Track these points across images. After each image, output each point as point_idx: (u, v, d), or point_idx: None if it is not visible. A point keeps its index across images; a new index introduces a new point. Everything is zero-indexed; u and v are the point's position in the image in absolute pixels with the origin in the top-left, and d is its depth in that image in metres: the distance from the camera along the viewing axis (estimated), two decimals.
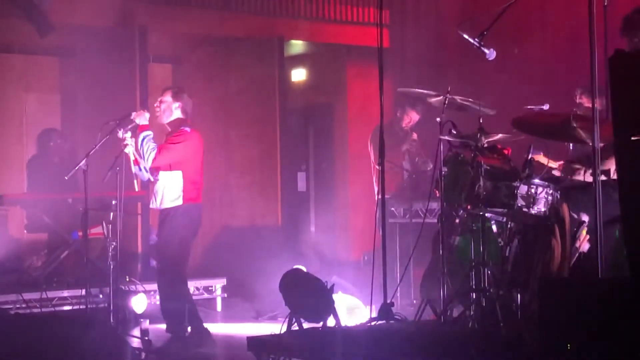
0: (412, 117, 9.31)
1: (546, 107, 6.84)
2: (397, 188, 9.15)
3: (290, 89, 12.26)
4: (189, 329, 7.41)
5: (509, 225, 6.11)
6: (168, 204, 7.33)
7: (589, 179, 6.50)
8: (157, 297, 8.86)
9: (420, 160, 9.10)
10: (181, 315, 7.35)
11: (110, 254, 7.28)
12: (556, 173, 6.96)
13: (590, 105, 6.69)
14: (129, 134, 7.30)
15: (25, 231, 9.79)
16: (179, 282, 7.44)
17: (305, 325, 6.28)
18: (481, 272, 6.03)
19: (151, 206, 7.58)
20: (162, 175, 7.36)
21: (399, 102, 9.29)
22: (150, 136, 7.29)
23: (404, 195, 8.98)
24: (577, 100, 7.39)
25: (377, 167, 8.66)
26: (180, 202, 7.32)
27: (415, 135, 9.31)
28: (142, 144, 7.25)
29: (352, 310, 7.97)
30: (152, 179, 7.54)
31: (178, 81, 11.30)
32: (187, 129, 7.41)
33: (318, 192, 12.73)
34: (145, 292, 8.62)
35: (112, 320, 7.26)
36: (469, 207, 6.12)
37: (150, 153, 7.23)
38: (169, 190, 7.33)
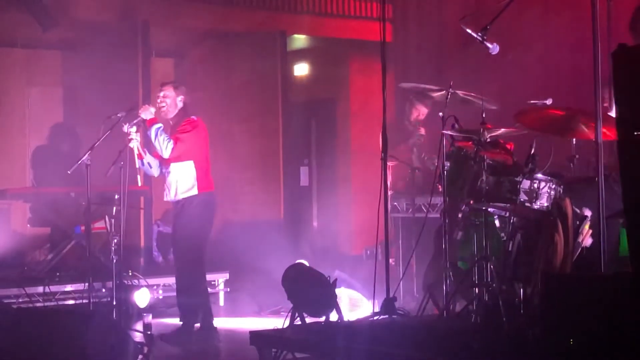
0: (421, 110, 9.21)
1: (549, 101, 6.82)
2: (402, 184, 9.12)
3: (293, 83, 12.26)
4: (198, 324, 7.43)
5: (511, 220, 6.11)
6: (183, 194, 7.35)
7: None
8: (160, 291, 8.92)
9: (427, 156, 9.06)
10: (195, 308, 7.36)
11: (113, 248, 7.29)
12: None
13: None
14: (134, 129, 7.30)
15: (28, 225, 9.80)
16: (197, 274, 7.45)
17: (308, 319, 6.28)
18: (484, 267, 6.03)
19: (165, 199, 7.56)
20: (174, 167, 7.37)
21: (407, 95, 9.23)
22: (162, 128, 7.31)
23: (407, 190, 8.96)
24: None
25: (389, 163, 8.66)
26: (195, 191, 7.35)
27: (422, 130, 9.22)
28: (156, 136, 7.25)
29: (354, 304, 7.98)
30: (155, 175, 7.55)
31: (180, 76, 11.31)
32: (194, 117, 7.44)
33: (320, 187, 12.74)
34: (148, 286, 8.63)
35: (114, 314, 7.27)
36: (471, 201, 6.12)
37: (167, 144, 7.24)
38: (183, 181, 7.35)
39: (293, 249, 9.80)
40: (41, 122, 10.65)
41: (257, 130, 11.28)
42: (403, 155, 8.86)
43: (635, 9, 6.14)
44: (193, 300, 7.38)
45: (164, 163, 7.41)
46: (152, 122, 7.31)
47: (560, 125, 6.33)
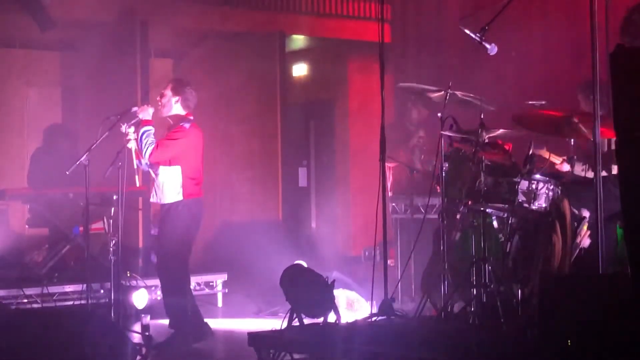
0: (422, 112, 9.21)
1: (545, 103, 6.84)
2: (400, 185, 9.12)
3: (292, 84, 12.26)
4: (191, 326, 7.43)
5: (509, 221, 6.11)
6: (169, 199, 7.33)
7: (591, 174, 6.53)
8: (159, 292, 8.91)
9: (425, 159, 9.05)
10: (184, 311, 7.35)
11: (111, 249, 7.28)
12: (559, 168, 6.96)
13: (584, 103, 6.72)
14: (132, 129, 7.28)
15: (26, 226, 9.79)
16: (180, 278, 7.43)
17: (306, 320, 6.28)
18: (482, 268, 6.03)
19: (151, 200, 7.57)
20: (162, 170, 7.36)
21: (408, 96, 9.23)
22: (151, 131, 7.28)
23: (404, 191, 8.96)
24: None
25: (389, 164, 8.66)
26: (180, 197, 7.32)
27: (422, 132, 9.21)
28: (141, 139, 7.25)
29: (352, 305, 7.98)
30: (153, 175, 7.54)
31: (179, 76, 11.29)
32: (187, 125, 7.37)
33: (319, 188, 12.73)
34: (146, 287, 8.62)
35: (113, 315, 7.26)
36: (469, 202, 6.12)
37: (148, 148, 7.23)
38: (169, 185, 7.33)
39: (291, 250, 9.79)
40: (40, 122, 10.63)
41: (255, 130, 11.28)
42: (403, 156, 8.86)
43: (627, 12, 6.13)
44: (179, 305, 7.36)
45: (153, 165, 7.39)
46: (145, 123, 7.30)
47: (558, 126, 6.33)
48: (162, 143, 7.29)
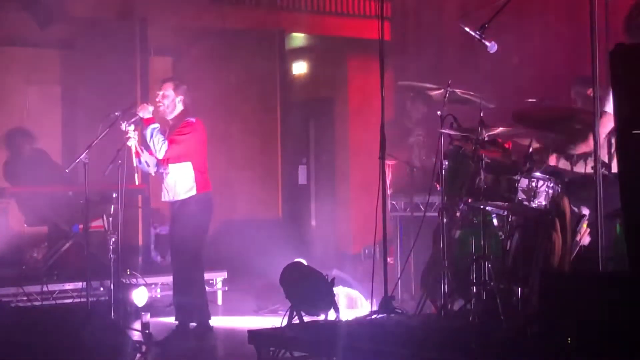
0: (420, 109, 9.22)
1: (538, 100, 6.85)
2: (400, 183, 9.12)
3: (291, 82, 12.27)
4: (194, 323, 7.43)
5: (509, 219, 6.11)
6: (182, 195, 7.37)
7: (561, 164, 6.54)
8: (159, 290, 8.92)
9: (425, 156, 9.05)
10: (192, 307, 7.37)
11: (110, 247, 7.28)
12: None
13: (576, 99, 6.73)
14: (132, 127, 7.29)
15: (25, 224, 9.79)
16: (194, 273, 7.46)
17: (306, 318, 6.28)
18: (482, 266, 6.03)
19: (163, 199, 7.58)
20: (172, 167, 7.38)
21: (407, 94, 9.23)
22: (158, 128, 7.31)
23: (404, 189, 8.96)
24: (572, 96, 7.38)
25: (388, 162, 8.65)
26: (194, 192, 7.37)
27: (421, 129, 9.21)
28: (151, 137, 7.26)
29: (352, 303, 7.98)
30: (152, 173, 7.55)
31: (178, 74, 11.29)
32: (192, 119, 7.43)
33: (318, 186, 12.74)
34: (146, 285, 8.62)
35: (112, 313, 7.27)
36: (469, 200, 6.12)
37: (161, 145, 7.25)
38: (182, 182, 7.36)
39: (291, 247, 9.79)
40: (40, 120, 10.63)
41: (255, 128, 11.28)
42: (402, 154, 8.85)
43: (630, 8, 6.13)
44: (191, 300, 7.38)
45: (162, 164, 7.41)
46: (149, 121, 7.31)
47: (558, 124, 6.32)
48: (175, 139, 7.32)
